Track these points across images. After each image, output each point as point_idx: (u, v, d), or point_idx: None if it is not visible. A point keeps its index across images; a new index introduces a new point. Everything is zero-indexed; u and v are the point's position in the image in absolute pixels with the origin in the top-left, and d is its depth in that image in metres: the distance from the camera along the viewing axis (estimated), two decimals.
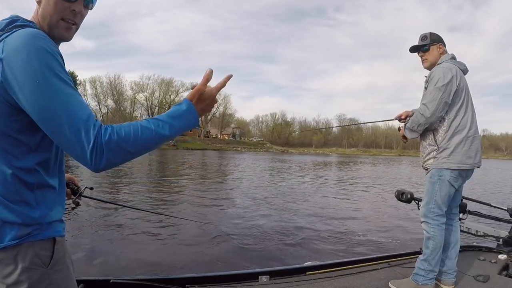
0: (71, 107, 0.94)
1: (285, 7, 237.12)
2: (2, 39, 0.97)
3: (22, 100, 0.94)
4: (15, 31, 0.99)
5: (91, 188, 1.91)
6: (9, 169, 0.99)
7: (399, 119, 2.97)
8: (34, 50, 0.94)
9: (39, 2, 1.10)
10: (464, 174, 2.73)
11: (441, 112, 2.66)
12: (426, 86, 2.75)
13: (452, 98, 2.66)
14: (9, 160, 1.00)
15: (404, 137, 2.94)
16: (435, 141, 2.73)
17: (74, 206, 1.69)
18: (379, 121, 3.79)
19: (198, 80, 1.16)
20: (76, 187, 1.69)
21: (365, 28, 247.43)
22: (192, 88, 1.16)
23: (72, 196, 1.67)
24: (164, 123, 1.04)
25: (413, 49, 2.92)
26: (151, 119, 1.04)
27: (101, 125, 0.96)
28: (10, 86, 0.94)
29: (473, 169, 2.78)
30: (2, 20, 1.05)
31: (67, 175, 1.46)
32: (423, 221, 2.77)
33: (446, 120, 2.69)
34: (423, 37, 2.87)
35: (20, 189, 1.01)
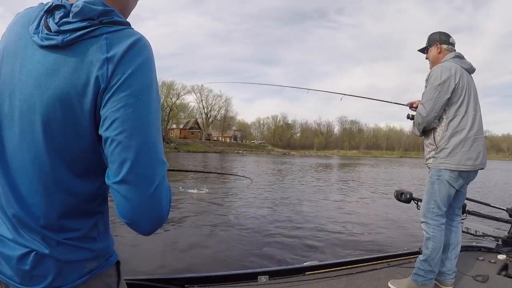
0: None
1: (287, 9, 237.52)
2: (103, 33, 0.76)
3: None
4: (122, 30, 0.79)
5: None
6: (73, 199, 0.82)
7: (411, 106, 2.99)
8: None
9: None
10: (465, 175, 2.68)
11: (438, 111, 2.64)
12: (425, 85, 2.76)
13: (451, 97, 2.62)
14: (81, 191, 0.82)
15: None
16: (434, 140, 2.72)
17: None
18: (390, 102, 3.75)
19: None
20: None
21: (367, 30, 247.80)
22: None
23: None
24: None
25: (421, 51, 3.00)
26: None
27: None
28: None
29: (476, 170, 2.72)
30: (86, 2, 0.78)
31: None
32: (422, 221, 2.76)
33: (445, 120, 2.66)
34: (427, 40, 2.93)
35: (86, 223, 0.85)
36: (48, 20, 0.78)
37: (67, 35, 0.75)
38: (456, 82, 2.61)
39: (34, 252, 0.79)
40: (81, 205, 0.83)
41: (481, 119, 2.73)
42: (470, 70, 2.78)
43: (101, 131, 0.75)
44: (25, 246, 0.79)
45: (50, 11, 0.80)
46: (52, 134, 0.76)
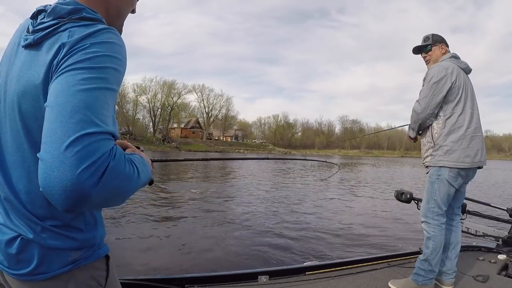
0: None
1: (288, 9, 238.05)
2: (67, 28, 0.80)
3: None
4: (88, 24, 0.81)
5: None
6: None
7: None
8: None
9: None
10: (464, 173, 2.69)
11: (433, 109, 2.68)
12: (423, 84, 2.79)
13: (447, 96, 2.65)
14: None
15: (410, 137, 2.98)
16: (432, 138, 2.74)
17: None
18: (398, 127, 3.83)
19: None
20: None
21: (368, 29, 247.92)
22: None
23: None
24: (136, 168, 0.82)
25: (416, 50, 2.98)
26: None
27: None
28: None
29: (475, 168, 2.74)
30: (59, 2, 0.85)
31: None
32: (423, 221, 2.76)
33: (442, 118, 2.69)
34: (426, 38, 2.92)
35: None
36: (32, 23, 0.87)
37: (38, 33, 0.82)
38: (452, 81, 2.64)
39: (21, 237, 0.83)
40: None
41: (478, 118, 2.76)
42: (467, 70, 2.81)
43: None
44: (14, 230, 0.84)
45: (35, 16, 0.88)
46: (28, 124, 0.81)
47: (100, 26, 0.81)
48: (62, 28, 0.80)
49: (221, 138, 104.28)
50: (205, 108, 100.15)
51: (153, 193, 11.22)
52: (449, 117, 2.67)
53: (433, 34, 2.91)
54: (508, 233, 3.73)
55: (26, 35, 0.85)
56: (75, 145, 0.67)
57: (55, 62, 0.76)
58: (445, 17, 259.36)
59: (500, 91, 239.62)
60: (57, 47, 0.77)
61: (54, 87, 0.73)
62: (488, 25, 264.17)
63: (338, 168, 4.53)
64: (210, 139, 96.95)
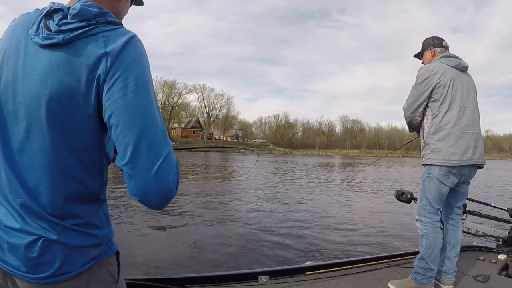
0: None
1: (289, 9, 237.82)
2: (99, 32, 0.84)
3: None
4: (117, 29, 0.87)
5: None
6: (79, 186, 0.87)
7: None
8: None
9: None
10: (456, 171, 2.65)
11: (417, 108, 2.77)
12: None
13: (433, 95, 2.70)
14: (86, 178, 0.88)
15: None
16: (423, 137, 2.81)
17: None
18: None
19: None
20: None
21: (369, 29, 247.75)
22: None
23: None
24: None
25: (417, 57, 3.13)
26: None
27: None
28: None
29: (471, 167, 2.69)
30: (84, 2, 0.87)
31: None
32: (417, 219, 2.80)
33: (430, 117, 2.74)
34: (421, 45, 3.02)
35: (90, 210, 0.91)
36: (48, 22, 0.85)
37: (67, 34, 0.82)
38: (437, 81, 2.68)
39: (42, 239, 0.83)
40: (85, 191, 0.89)
41: (472, 114, 2.72)
42: (459, 67, 2.79)
43: (105, 119, 0.82)
44: (33, 233, 0.83)
45: (49, 14, 0.87)
46: (58, 125, 0.82)
47: (129, 33, 0.87)
48: (94, 32, 0.83)
49: (222, 138, 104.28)
50: (205, 108, 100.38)
51: None
52: (436, 116, 2.70)
53: (424, 40, 3.00)
54: (509, 233, 3.73)
55: (48, 34, 0.83)
56: (164, 164, 0.81)
57: (101, 71, 0.80)
58: (445, 17, 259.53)
59: (501, 91, 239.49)
60: (98, 54, 0.81)
61: (122, 108, 0.80)
62: (488, 25, 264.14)
63: (258, 157, 5.01)
64: (211, 139, 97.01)
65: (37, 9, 0.92)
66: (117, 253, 1.00)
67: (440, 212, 2.77)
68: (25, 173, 0.84)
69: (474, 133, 2.69)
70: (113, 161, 0.92)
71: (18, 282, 0.87)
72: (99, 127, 0.85)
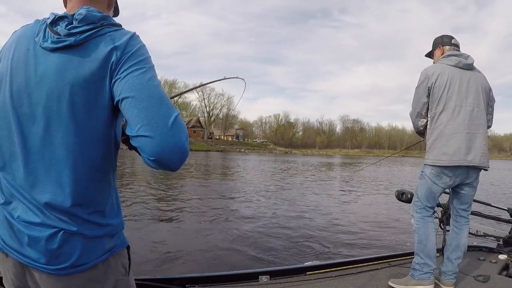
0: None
1: (290, 9, 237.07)
2: (106, 32, 0.95)
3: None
4: (120, 29, 0.98)
5: None
6: (97, 174, 0.95)
7: None
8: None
9: (109, 6, 1.14)
10: (449, 172, 2.61)
11: (419, 111, 2.79)
12: None
13: (431, 97, 2.71)
14: (102, 165, 0.96)
15: None
16: (425, 137, 2.85)
17: None
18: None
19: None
20: None
21: (370, 29, 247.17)
22: None
23: None
24: None
25: (429, 57, 3.10)
26: None
27: None
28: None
29: (467, 168, 2.62)
30: (86, 8, 0.98)
31: None
32: (411, 216, 2.86)
33: (429, 118, 2.77)
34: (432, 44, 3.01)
35: (106, 197, 0.98)
36: (56, 28, 0.95)
37: (78, 36, 0.92)
38: (432, 82, 2.69)
39: (63, 231, 0.89)
40: (102, 178, 0.96)
41: (470, 114, 2.63)
42: (460, 65, 2.72)
43: (118, 97, 0.90)
44: (53, 226, 0.89)
45: (55, 21, 0.97)
46: (78, 117, 0.90)
47: (131, 31, 0.99)
48: (101, 32, 0.94)
49: (222, 138, 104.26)
50: (206, 107, 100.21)
51: (153, 193, 11.24)
52: (433, 116, 2.73)
53: (434, 39, 2.97)
54: (509, 233, 3.73)
55: (58, 39, 0.92)
56: (176, 122, 0.87)
57: (112, 62, 0.91)
58: (446, 17, 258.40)
59: (501, 91, 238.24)
60: (109, 49, 0.91)
61: (131, 83, 0.89)
62: (489, 25, 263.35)
63: (244, 83, 4.87)
64: (211, 138, 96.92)
65: (37, 20, 1.02)
66: (128, 247, 1.06)
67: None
68: (48, 167, 0.90)
69: (469, 133, 2.60)
70: (130, 148, 0.98)
71: (36, 275, 0.92)
72: (112, 115, 0.95)
